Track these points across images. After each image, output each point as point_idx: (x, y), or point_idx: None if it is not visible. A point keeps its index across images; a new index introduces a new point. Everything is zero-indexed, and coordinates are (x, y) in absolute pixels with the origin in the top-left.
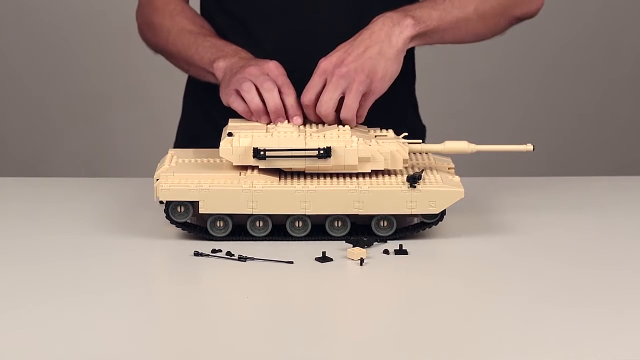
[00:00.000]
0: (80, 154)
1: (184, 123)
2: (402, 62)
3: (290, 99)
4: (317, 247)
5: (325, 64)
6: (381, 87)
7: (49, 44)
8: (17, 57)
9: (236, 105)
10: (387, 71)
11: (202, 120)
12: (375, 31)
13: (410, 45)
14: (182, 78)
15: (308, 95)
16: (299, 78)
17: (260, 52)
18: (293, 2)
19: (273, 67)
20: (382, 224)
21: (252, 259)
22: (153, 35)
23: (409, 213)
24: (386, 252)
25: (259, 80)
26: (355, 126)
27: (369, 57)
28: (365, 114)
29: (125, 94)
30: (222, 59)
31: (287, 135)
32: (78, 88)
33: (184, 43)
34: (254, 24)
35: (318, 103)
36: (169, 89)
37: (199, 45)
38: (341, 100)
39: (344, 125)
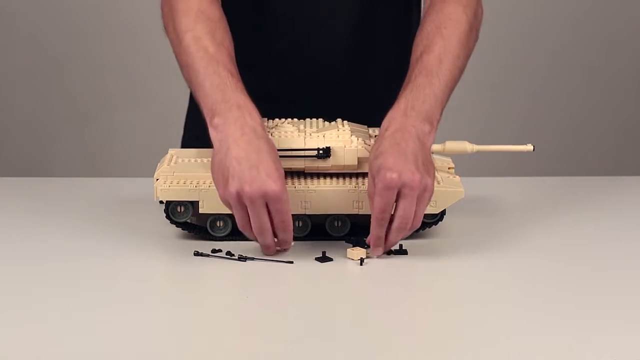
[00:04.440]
0: (80, 154)
1: (190, 120)
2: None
3: (284, 235)
4: (317, 247)
5: (390, 175)
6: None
7: (49, 44)
8: (18, 57)
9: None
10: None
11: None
12: (407, 138)
13: None
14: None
15: (382, 220)
16: (307, 82)
17: (268, 53)
18: (307, 13)
19: (274, 197)
20: None
21: (252, 259)
22: (170, 32)
23: None
24: (389, 252)
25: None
26: (358, 126)
27: (424, 162)
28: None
29: (125, 94)
30: (219, 117)
31: (286, 136)
32: (78, 88)
33: (193, 66)
34: (268, 30)
35: (397, 217)
36: (170, 89)
37: (206, 79)
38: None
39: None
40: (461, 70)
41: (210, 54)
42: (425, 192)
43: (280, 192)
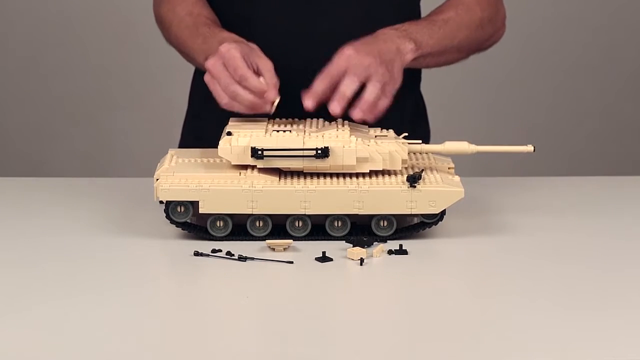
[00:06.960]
0: (80, 154)
1: (188, 121)
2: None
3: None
4: (317, 247)
5: (348, 52)
6: (393, 88)
7: (49, 44)
8: (18, 57)
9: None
10: (400, 75)
11: (208, 115)
12: (387, 40)
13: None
14: (183, 77)
15: (326, 79)
16: (300, 81)
17: (266, 53)
18: (298, 6)
19: (224, 52)
20: (382, 224)
21: (252, 259)
22: (162, 28)
23: (409, 213)
24: (390, 252)
25: (219, 79)
26: (359, 126)
27: (389, 56)
28: (379, 115)
29: (125, 94)
30: (211, 57)
31: (285, 135)
32: (78, 88)
33: (182, 39)
34: (257, 25)
35: (340, 86)
36: (170, 88)
37: (193, 41)
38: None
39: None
40: (460, 48)
41: (190, 26)
42: (375, 77)
43: (227, 47)
